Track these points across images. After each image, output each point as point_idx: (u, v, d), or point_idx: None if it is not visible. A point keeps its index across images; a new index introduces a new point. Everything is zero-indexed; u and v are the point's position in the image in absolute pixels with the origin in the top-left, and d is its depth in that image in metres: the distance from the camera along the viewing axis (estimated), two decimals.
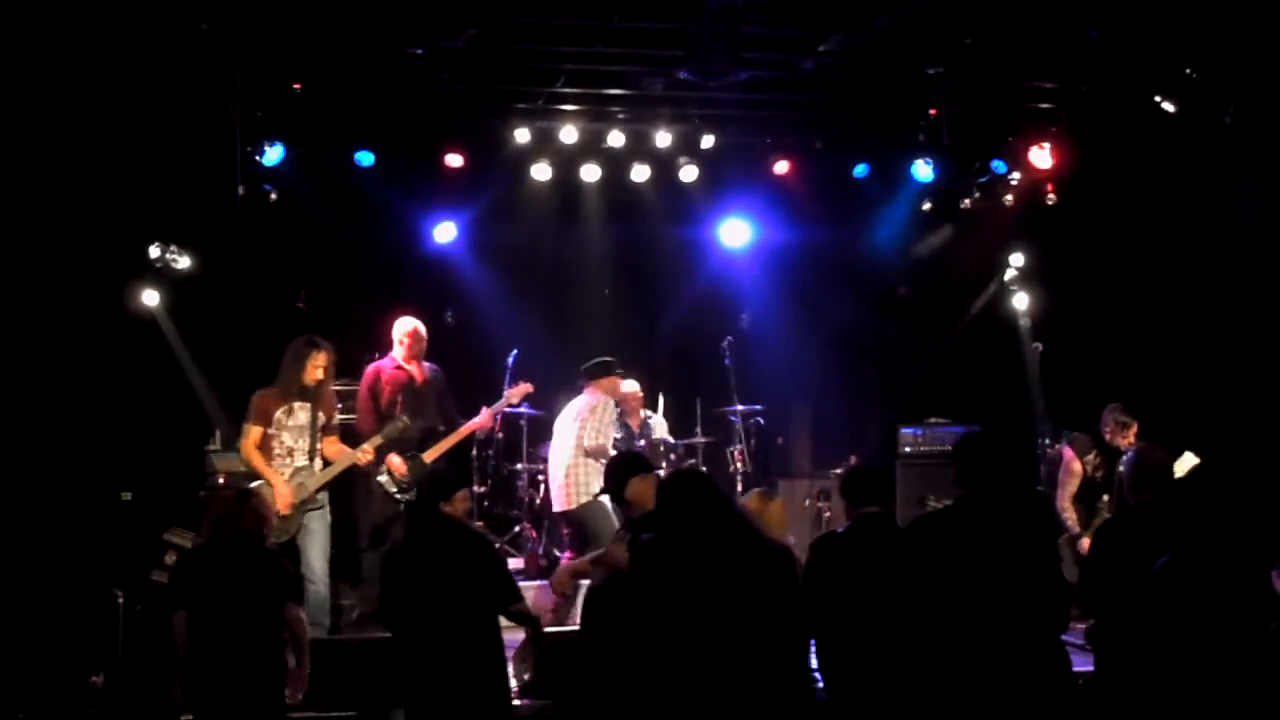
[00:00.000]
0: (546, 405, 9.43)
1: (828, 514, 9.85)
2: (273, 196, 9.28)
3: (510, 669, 5.65)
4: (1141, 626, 4.59)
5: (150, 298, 8.79)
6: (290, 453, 7.36)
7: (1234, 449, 8.39)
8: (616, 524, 6.72)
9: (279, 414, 7.33)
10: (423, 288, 9.93)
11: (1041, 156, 9.90)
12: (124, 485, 8.18)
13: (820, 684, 5.33)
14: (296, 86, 8.86)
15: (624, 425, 9.23)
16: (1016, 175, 10.19)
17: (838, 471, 9.06)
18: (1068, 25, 8.09)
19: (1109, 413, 8.23)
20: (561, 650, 5.81)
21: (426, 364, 8.27)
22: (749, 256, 10.83)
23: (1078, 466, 8.28)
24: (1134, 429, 8.11)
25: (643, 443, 9.19)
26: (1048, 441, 9.33)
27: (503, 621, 5.60)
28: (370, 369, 8.20)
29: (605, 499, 7.20)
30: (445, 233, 10.13)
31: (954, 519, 4.80)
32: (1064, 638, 4.73)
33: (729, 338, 9.93)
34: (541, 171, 10.05)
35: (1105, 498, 8.16)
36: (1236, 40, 7.90)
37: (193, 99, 8.38)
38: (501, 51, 8.64)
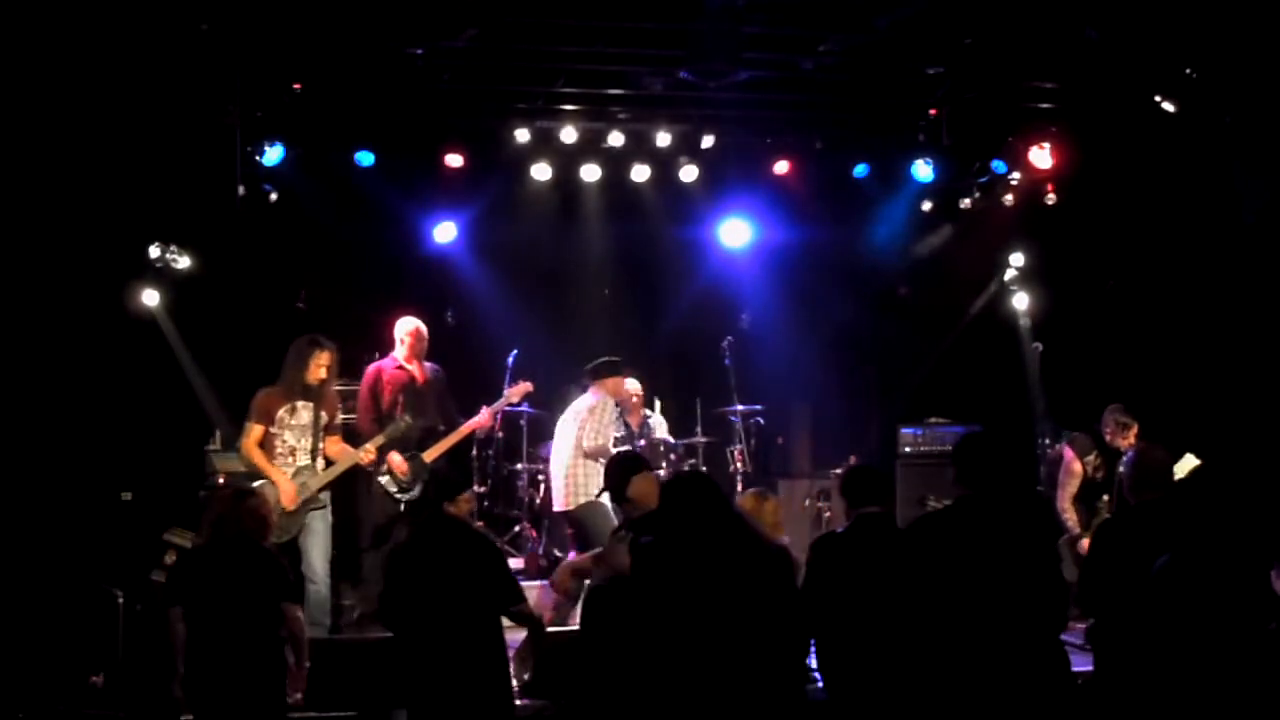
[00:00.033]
0: (547, 405, 9.44)
1: (828, 514, 9.85)
2: (273, 196, 9.28)
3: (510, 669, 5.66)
4: (1141, 626, 4.60)
5: (150, 298, 8.80)
6: (292, 452, 7.36)
7: (1234, 450, 8.39)
8: (616, 524, 6.71)
9: (282, 413, 7.34)
10: (423, 288, 9.93)
11: (1041, 156, 9.91)
12: (124, 485, 8.19)
13: (820, 684, 5.34)
14: (296, 86, 8.86)
15: (624, 424, 9.23)
16: (1016, 175, 10.19)
17: (838, 471, 9.05)
18: (1068, 25, 8.09)
19: (1109, 413, 8.23)
20: (561, 650, 5.82)
21: (427, 364, 8.28)
22: (749, 256, 10.83)
23: (1078, 467, 8.28)
24: (1134, 430, 8.10)
25: (643, 442, 9.19)
26: (1048, 441, 9.33)
27: (504, 622, 5.61)
28: (371, 369, 8.20)
29: (605, 499, 7.20)
30: (445, 233, 10.13)
31: (954, 519, 4.80)
32: (1064, 638, 4.74)
33: (729, 338, 9.92)
34: (541, 171, 10.05)
35: (1105, 498, 8.16)
36: (1236, 40, 7.90)
37: (193, 99, 8.38)
38: (501, 51, 8.64)
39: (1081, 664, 5.23)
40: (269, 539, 5.78)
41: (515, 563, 9.28)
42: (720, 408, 9.91)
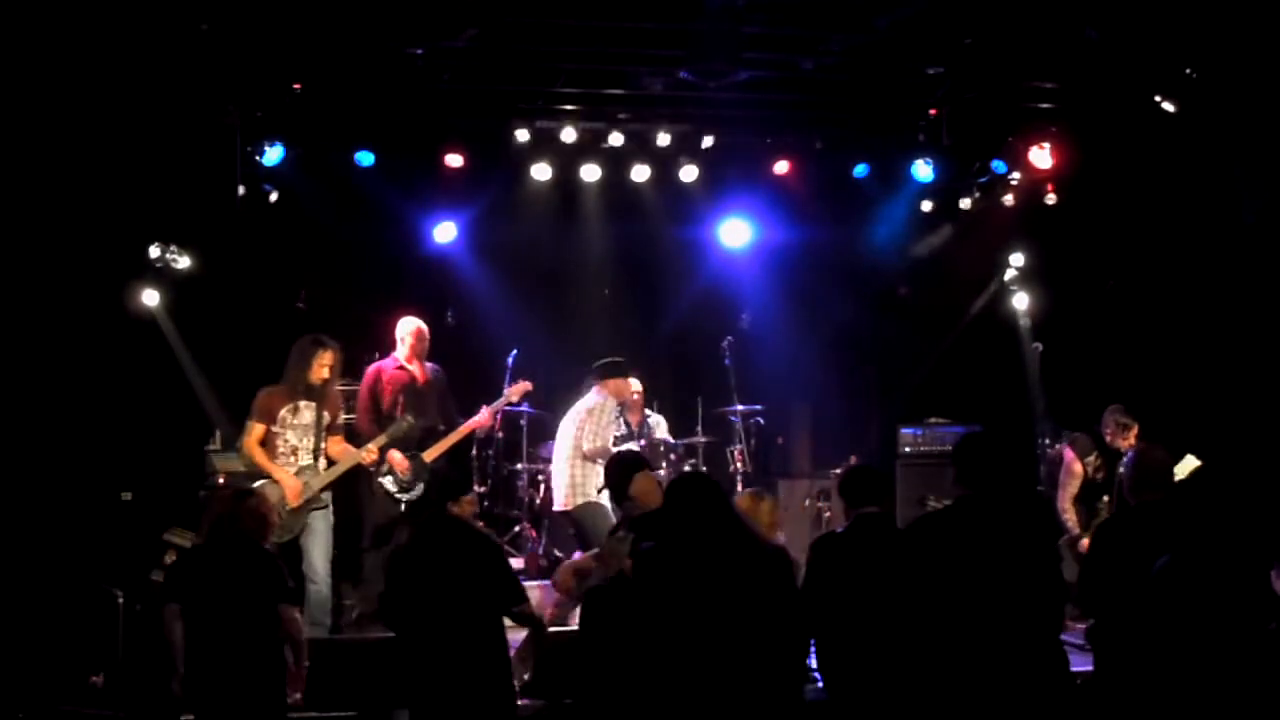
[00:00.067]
0: (547, 405, 9.44)
1: (827, 514, 9.85)
2: (273, 196, 9.28)
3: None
4: (1141, 626, 4.60)
5: (150, 298, 8.80)
6: (294, 451, 7.36)
7: (1234, 450, 8.39)
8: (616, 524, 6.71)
9: (284, 412, 7.34)
10: (423, 288, 9.93)
11: (1041, 156, 9.90)
12: (124, 485, 8.19)
13: (820, 684, 5.34)
14: (296, 86, 8.85)
15: (624, 422, 9.23)
16: (1016, 175, 10.19)
17: (838, 471, 9.05)
18: (1068, 25, 8.08)
19: (1110, 414, 8.23)
20: (561, 650, 5.82)
21: (428, 364, 8.28)
22: (749, 256, 10.82)
23: (1078, 468, 8.28)
24: (1135, 430, 8.10)
25: (643, 442, 9.19)
26: (1048, 442, 9.32)
27: (505, 622, 5.61)
28: (371, 369, 8.20)
29: (605, 499, 7.20)
30: (445, 233, 10.12)
31: (954, 519, 4.79)
32: (1064, 638, 4.74)
33: (729, 338, 9.92)
34: (541, 171, 10.04)
35: (1105, 499, 8.17)
36: (1236, 40, 7.90)
37: (193, 99, 8.38)
38: (501, 51, 8.63)
39: (1081, 664, 5.22)
40: (269, 539, 5.78)
41: (516, 563, 9.26)
42: (720, 408, 9.91)
